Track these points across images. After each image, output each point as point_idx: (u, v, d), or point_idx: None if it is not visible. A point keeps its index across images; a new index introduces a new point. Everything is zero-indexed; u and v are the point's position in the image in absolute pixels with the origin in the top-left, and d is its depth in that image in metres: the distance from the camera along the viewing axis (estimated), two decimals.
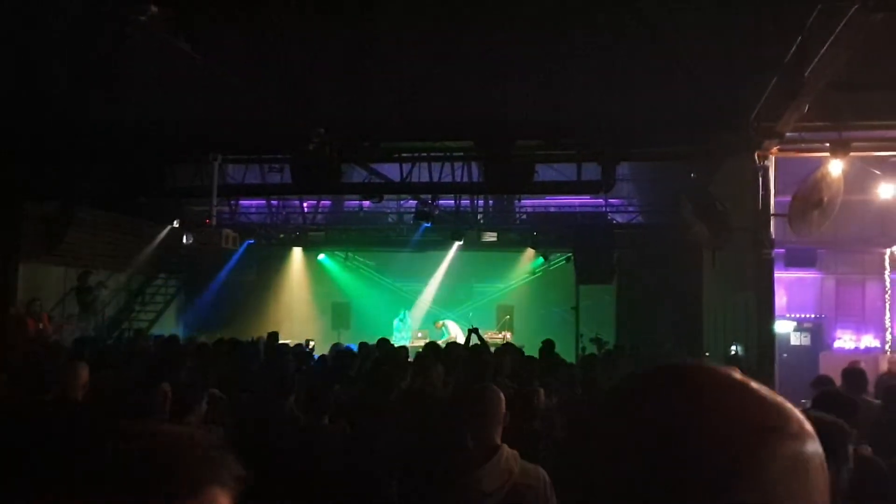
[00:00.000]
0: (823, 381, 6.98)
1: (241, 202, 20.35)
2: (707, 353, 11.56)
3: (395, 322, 22.06)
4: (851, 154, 9.60)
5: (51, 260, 16.36)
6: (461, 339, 14.54)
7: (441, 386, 6.85)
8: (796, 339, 15.55)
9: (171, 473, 0.96)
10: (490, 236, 20.51)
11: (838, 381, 7.13)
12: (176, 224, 17.10)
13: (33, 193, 14.16)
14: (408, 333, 21.49)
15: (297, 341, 15.95)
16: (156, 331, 17.93)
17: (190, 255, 18.50)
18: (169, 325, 19.69)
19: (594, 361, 9.95)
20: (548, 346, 10.55)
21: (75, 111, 11.14)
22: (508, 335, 18.75)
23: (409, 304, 22.76)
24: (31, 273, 15.57)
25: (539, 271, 22.28)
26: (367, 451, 4.61)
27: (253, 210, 21.25)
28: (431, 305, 22.42)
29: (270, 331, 14.02)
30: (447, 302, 22.37)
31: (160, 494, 0.96)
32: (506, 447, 3.59)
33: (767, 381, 8.51)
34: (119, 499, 0.92)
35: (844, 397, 4.63)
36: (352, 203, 20.83)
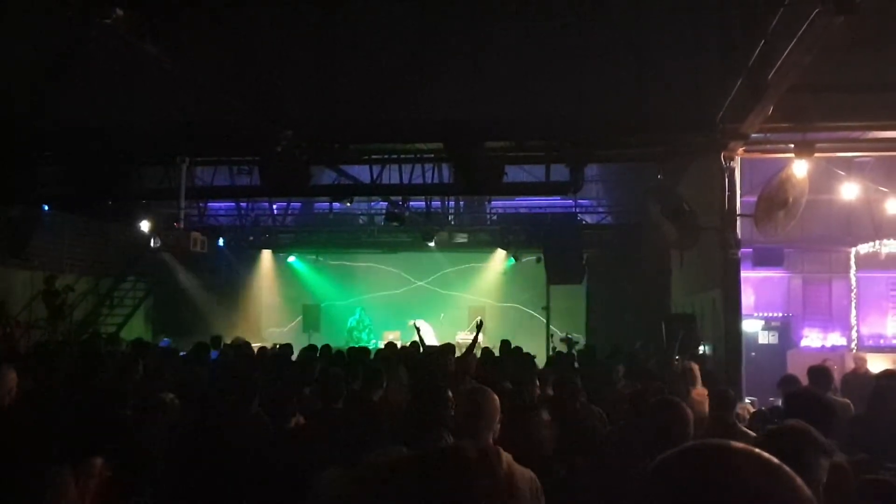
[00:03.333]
0: (790, 381, 7.06)
1: (209, 204, 20.20)
2: (677, 358, 11.64)
3: (351, 320, 22.18)
4: (816, 155, 9.75)
5: (17, 264, 16.12)
6: (430, 340, 14.55)
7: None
8: (764, 338, 15.74)
9: None
10: (461, 237, 20.55)
11: (805, 379, 7.23)
12: (144, 227, 16.91)
13: None
14: (366, 333, 21.62)
15: (264, 344, 15.89)
16: (125, 334, 17.74)
17: (159, 257, 18.34)
18: (138, 328, 19.47)
19: (563, 361, 10.00)
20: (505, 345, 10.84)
21: (40, 113, 10.99)
22: (480, 336, 18.73)
23: (386, 305, 22.76)
24: None
25: (510, 272, 22.38)
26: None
27: (222, 212, 21.10)
28: (401, 306, 22.38)
29: (237, 335, 13.94)
30: (418, 303, 22.35)
31: None
32: (501, 450, 3.57)
33: (735, 379, 8.62)
34: None
35: (818, 401, 4.58)
36: (322, 205, 20.77)
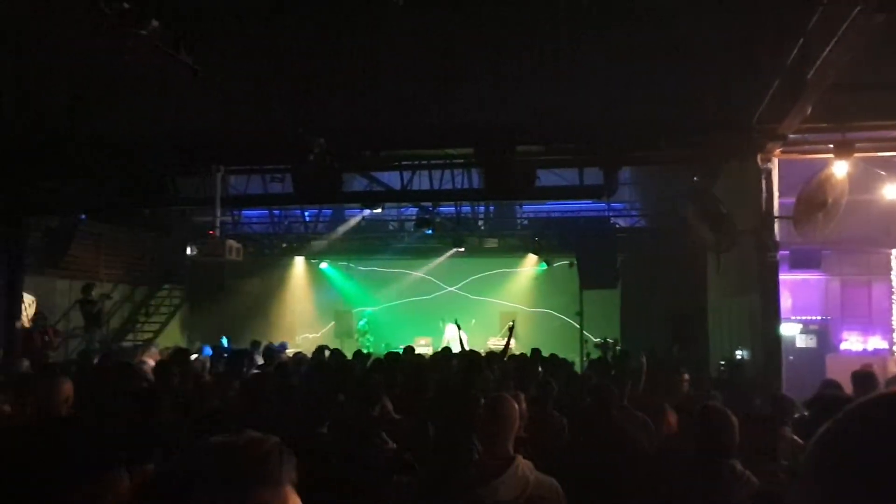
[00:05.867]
0: (830, 386, 6.93)
1: (243, 212, 20.37)
2: (722, 363, 11.53)
3: (361, 323, 22.24)
4: (855, 155, 9.57)
5: (55, 273, 16.36)
6: (455, 345, 14.50)
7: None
8: (802, 342, 15.47)
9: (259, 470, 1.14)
10: (491, 243, 20.49)
11: (846, 384, 7.09)
12: (179, 236, 17.13)
13: (36, 208, 14.18)
14: (370, 337, 21.67)
15: (299, 350, 15.96)
16: (161, 341, 17.95)
17: (194, 265, 18.51)
18: (174, 336, 19.68)
19: (603, 367, 9.89)
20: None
21: (77, 125, 11.14)
22: (513, 342, 18.67)
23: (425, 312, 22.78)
24: (36, 287, 15.58)
25: (542, 277, 22.27)
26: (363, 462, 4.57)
27: (255, 220, 21.27)
28: (432, 312, 22.34)
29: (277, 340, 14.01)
30: (449, 309, 22.31)
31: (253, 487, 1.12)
32: (520, 457, 3.57)
33: (775, 384, 8.44)
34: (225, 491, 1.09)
35: (843, 401, 4.50)
36: (353, 211, 20.83)
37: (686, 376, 7.52)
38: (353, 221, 19.46)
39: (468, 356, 10.18)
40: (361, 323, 22.56)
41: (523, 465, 3.54)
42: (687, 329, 12.09)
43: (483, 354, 11.45)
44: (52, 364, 10.16)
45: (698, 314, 12.97)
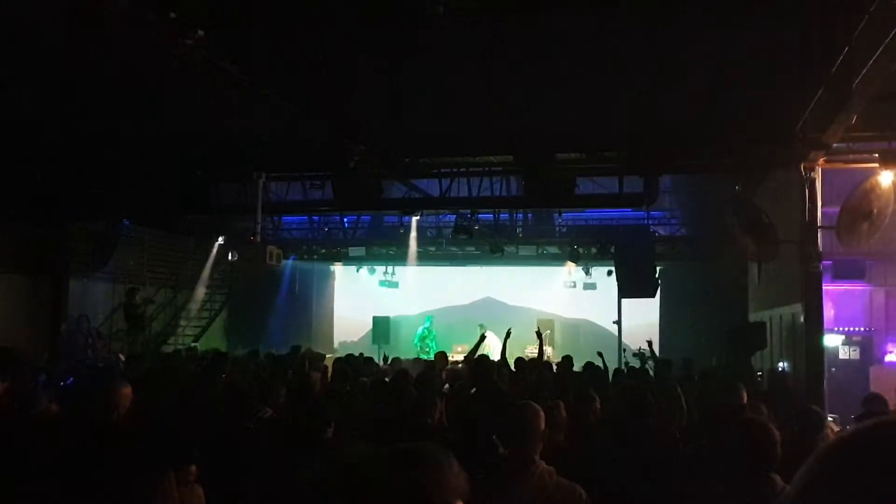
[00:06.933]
0: (874, 400, 6.80)
1: (283, 218, 20.58)
2: (760, 374, 11.33)
3: (420, 329, 22.21)
4: None
5: (99, 277, 16.68)
6: (496, 353, 14.42)
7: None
8: (845, 353, 15.16)
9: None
10: (529, 250, 20.45)
11: (890, 396, 6.96)
12: (221, 241, 17.32)
13: (82, 212, 14.48)
14: (429, 342, 21.63)
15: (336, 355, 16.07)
16: (202, 345, 18.17)
17: (235, 270, 18.76)
18: (214, 340, 19.92)
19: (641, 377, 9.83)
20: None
21: (122, 130, 11.37)
22: (549, 350, 18.60)
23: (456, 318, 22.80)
24: (81, 290, 15.89)
25: (580, 285, 22.16)
26: None
27: (294, 226, 21.47)
28: (469, 319, 22.35)
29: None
30: (486, 316, 22.32)
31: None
32: (542, 463, 3.62)
33: (818, 396, 8.29)
34: None
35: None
36: (391, 218, 20.93)
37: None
38: (413, 227, 19.43)
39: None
40: (421, 329, 22.49)
41: (543, 468, 3.59)
42: (749, 340, 11.88)
43: (527, 361, 11.42)
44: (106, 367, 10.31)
45: (758, 326, 12.75)
